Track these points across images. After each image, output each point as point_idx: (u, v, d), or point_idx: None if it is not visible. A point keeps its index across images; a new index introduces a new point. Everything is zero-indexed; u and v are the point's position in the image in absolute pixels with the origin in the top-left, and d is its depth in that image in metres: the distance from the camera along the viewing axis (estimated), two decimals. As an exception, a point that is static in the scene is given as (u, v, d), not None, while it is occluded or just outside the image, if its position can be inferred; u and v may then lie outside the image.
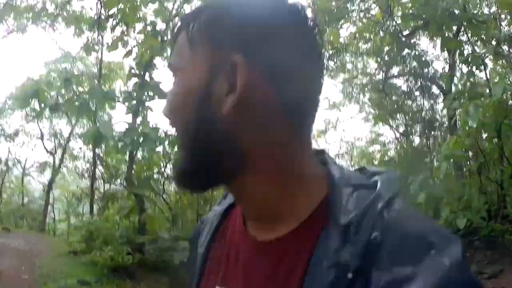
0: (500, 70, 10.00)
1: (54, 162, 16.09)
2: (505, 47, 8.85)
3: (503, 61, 9.56)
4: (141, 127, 9.55)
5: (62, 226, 16.05)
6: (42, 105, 12.42)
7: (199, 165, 0.74)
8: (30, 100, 12.98)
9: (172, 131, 10.21)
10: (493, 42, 8.61)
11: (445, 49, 9.89)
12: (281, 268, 0.71)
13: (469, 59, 8.23)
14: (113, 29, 12.19)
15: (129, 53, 11.80)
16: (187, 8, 13.74)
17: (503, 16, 9.57)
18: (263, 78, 0.70)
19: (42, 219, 15.56)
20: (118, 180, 11.26)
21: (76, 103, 10.26)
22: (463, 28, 9.29)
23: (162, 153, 10.32)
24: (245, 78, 0.68)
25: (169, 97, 0.77)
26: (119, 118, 20.08)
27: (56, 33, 18.70)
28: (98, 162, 12.31)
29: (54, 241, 13.27)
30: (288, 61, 0.71)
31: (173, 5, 12.47)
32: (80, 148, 14.08)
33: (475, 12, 9.23)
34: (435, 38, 11.17)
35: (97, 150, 11.98)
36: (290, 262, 0.70)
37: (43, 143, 16.75)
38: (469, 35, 9.42)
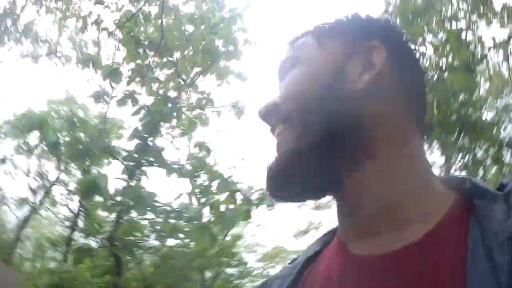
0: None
1: (34, 201, 15.81)
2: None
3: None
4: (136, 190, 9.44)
5: (27, 265, 15.56)
6: (40, 139, 12.10)
7: (320, 151, 0.69)
8: (29, 131, 12.65)
9: (170, 201, 10.08)
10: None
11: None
12: (425, 273, 0.60)
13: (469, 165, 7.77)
14: (129, 83, 12.26)
15: (137, 112, 11.85)
16: (199, 81, 13.92)
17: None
18: (394, 67, 0.72)
19: (10, 252, 15.07)
20: (98, 236, 11.02)
21: (78, 147, 10.09)
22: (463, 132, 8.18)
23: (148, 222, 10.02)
24: (383, 57, 0.71)
25: (286, 87, 0.76)
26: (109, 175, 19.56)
27: (66, 72, 18.40)
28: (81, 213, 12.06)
29: (21, 278, 12.78)
30: (411, 57, 0.78)
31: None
32: (67, 194, 13.78)
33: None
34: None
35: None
36: (434, 263, 0.60)
37: (27, 179, 16.38)
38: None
